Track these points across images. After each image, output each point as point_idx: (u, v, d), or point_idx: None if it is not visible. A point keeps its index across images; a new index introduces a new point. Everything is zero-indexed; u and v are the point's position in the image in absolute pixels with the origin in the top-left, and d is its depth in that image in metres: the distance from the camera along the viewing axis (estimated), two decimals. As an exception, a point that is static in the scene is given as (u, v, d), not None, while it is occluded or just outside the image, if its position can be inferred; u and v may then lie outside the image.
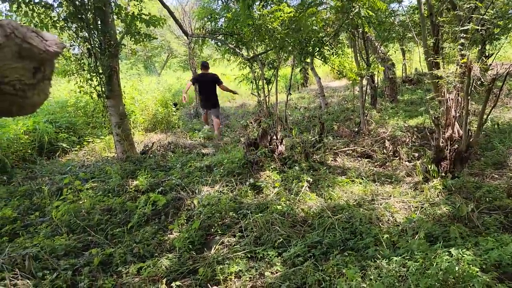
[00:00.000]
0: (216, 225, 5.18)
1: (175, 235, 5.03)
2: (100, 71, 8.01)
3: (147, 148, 9.45)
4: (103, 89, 8.15)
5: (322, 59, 9.00)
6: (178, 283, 3.90)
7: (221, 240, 4.74)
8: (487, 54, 8.43)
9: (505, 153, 7.23)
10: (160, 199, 5.89)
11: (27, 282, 4.00)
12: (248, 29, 7.46)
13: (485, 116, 5.85)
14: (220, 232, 5.04)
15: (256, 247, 4.50)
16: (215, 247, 4.59)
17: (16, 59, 1.08)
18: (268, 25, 7.16)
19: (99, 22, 7.88)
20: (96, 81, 8.05)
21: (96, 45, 7.94)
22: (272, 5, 8.10)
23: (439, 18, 6.68)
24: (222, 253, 4.44)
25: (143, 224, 5.48)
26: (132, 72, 26.39)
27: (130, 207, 5.90)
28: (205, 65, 11.65)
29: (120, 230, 5.28)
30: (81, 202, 6.12)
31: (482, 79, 6.61)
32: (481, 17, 5.76)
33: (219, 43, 9.63)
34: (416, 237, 4.16)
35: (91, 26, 7.75)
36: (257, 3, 8.04)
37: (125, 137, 8.55)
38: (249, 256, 4.37)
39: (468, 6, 5.88)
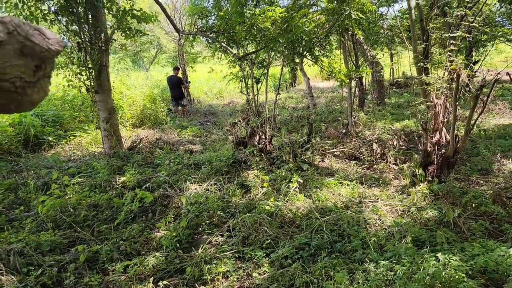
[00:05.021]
0: (203, 224, 5.17)
1: (163, 233, 5.01)
2: (90, 66, 7.93)
3: (134, 144, 9.39)
4: (92, 83, 8.07)
5: (313, 60, 9.02)
6: (165, 282, 3.88)
7: (209, 240, 4.72)
8: (474, 61, 8.52)
9: (491, 159, 7.33)
10: (147, 196, 5.85)
11: (12, 278, 3.96)
12: (240, 27, 7.45)
13: (472, 122, 5.91)
14: (207, 231, 5.02)
15: (244, 247, 4.50)
16: (202, 246, 4.57)
17: (18, 57, 1.06)
18: (259, 25, 7.16)
19: (90, 16, 7.80)
20: (85, 75, 7.97)
21: (87, 39, 7.86)
22: (263, 5, 8.09)
23: (429, 24, 6.73)
24: (210, 252, 4.43)
25: (130, 221, 5.44)
26: (120, 66, 26.20)
27: (117, 203, 5.84)
28: (176, 68, 15.58)
29: (106, 226, 5.24)
30: (67, 197, 6.04)
31: (470, 85, 6.68)
32: (470, 24, 5.82)
33: (210, 41, 9.59)
34: (403, 241, 4.20)
35: (82, 20, 7.67)
36: (249, 2, 8.03)
37: (113, 132, 8.48)
38: (237, 256, 4.37)
39: (458, 14, 5.92)
